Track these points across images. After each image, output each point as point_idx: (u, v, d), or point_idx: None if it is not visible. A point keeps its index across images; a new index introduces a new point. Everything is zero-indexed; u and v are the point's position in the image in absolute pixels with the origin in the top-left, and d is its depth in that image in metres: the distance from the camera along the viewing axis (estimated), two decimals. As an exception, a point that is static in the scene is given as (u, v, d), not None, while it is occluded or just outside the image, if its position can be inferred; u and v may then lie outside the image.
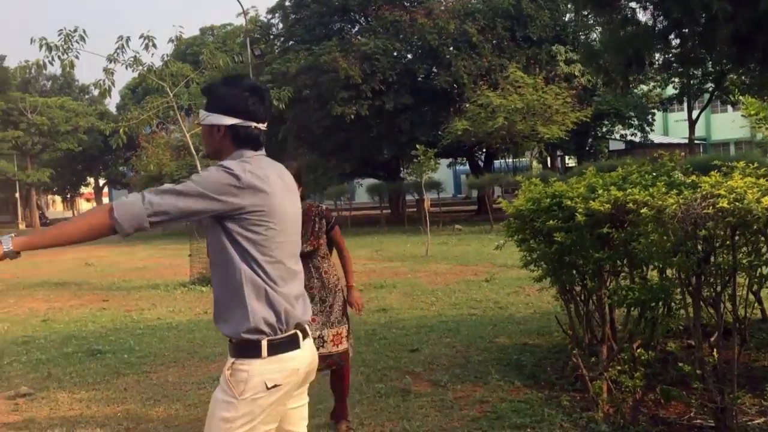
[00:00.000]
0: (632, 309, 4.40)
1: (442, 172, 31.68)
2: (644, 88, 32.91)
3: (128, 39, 12.09)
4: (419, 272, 12.34)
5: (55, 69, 37.14)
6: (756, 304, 5.40)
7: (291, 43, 30.25)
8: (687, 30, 8.31)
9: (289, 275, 2.44)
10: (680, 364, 4.00)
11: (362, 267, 13.41)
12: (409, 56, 27.08)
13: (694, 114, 28.81)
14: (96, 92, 13.47)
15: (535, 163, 33.13)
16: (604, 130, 32.84)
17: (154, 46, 12.23)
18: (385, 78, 24.64)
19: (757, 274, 3.83)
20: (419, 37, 25.28)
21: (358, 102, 24.27)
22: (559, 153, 35.11)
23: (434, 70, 26.21)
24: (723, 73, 22.70)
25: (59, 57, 11.82)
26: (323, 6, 28.63)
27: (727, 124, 47.35)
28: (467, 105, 23.49)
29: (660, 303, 4.36)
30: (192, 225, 14.06)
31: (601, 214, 4.12)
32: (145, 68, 12.64)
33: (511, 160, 29.89)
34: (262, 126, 2.52)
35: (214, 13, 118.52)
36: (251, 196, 2.33)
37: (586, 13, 26.54)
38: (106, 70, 12.34)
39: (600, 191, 4.31)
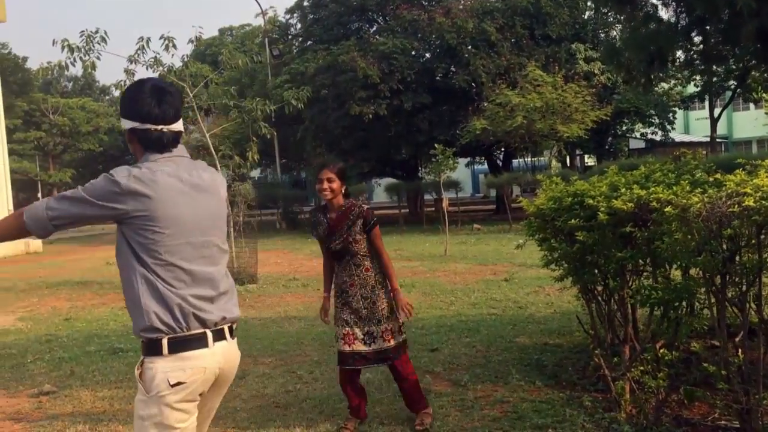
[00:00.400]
0: (655, 309, 4.35)
1: (461, 171, 31.57)
2: (665, 86, 32.59)
3: (149, 40, 12.21)
4: (438, 272, 12.32)
5: (76, 70, 37.68)
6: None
7: (309, 42, 30.30)
8: (710, 27, 8.20)
9: (191, 277, 2.45)
10: (704, 365, 3.95)
11: (381, 266, 13.41)
12: (428, 55, 27.01)
13: (716, 112, 28.50)
14: (117, 93, 13.59)
15: (554, 162, 32.94)
16: (624, 128, 32.57)
17: (174, 46, 12.35)
18: (404, 77, 24.60)
19: (784, 274, 3.78)
20: (437, 36, 25.21)
21: (377, 101, 24.26)
22: (578, 152, 34.88)
23: (453, 69, 26.12)
24: (746, 71, 22.40)
25: (81, 58, 11.95)
26: (341, 6, 28.65)
27: (750, 122, 46.77)
28: (486, 104, 23.39)
29: (684, 302, 4.32)
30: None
31: (624, 213, 4.07)
32: (166, 69, 12.74)
33: (529, 159, 29.74)
34: (164, 127, 2.48)
35: (233, 14, 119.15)
36: (133, 201, 2.38)
37: (605, 10, 26.31)
38: (126, 71, 12.47)
39: (622, 190, 4.26)
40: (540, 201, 4.87)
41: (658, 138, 33.63)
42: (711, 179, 4.19)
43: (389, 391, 5.22)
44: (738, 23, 7.00)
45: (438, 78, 26.48)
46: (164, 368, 2.40)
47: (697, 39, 9.21)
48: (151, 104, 2.48)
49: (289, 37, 34.53)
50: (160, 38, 12.29)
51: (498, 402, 4.84)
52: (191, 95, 12.75)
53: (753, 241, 3.58)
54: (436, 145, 15.97)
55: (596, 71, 25.46)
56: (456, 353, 6.30)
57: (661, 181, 4.42)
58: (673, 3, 8.35)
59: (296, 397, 5.31)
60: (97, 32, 11.90)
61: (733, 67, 23.24)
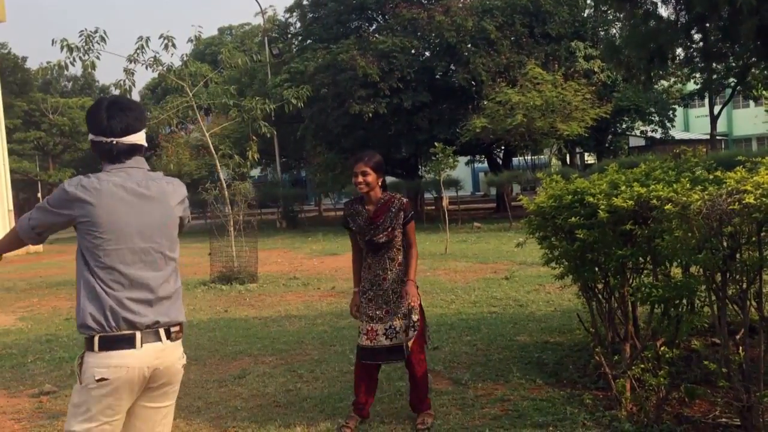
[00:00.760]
0: (656, 306, 4.35)
1: (461, 169, 31.58)
2: (665, 83, 32.57)
3: (148, 39, 12.20)
4: (438, 270, 12.32)
5: (75, 70, 37.67)
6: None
7: (309, 41, 30.29)
8: (710, 24, 8.20)
9: (128, 280, 2.62)
10: (705, 362, 3.95)
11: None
12: (427, 54, 26.98)
13: (716, 109, 28.49)
14: (116, 92, 13.58)
15: (554, 160, 32.92)
16: (624, 126, 32.53)
17: (174, 46, 12.34)
18: (403, 76, 24.58)
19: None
20: (437, 34, 25.18)
21: (376, 100, 24.24)
22: (578, 150, 34.85)
23: (452, 67, 26.09)
24: (746, 68, 22.36)
25: (80, 58, 11.95)
26: (341, 4, 28.63)
27: (750, 120, 46.77)
28: (485, 102, 23.35)
29: (684, 300, 4.32)
30: (212, 224, 14.13)
31: (624, 211, 4.07)
32: (165, 68, 12.74)
33: (530, 157, 29.73)
34: (114, 139, 2.69)
35: (233, 13, 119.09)
36: (79, 208, 2.62)
37: (605, 8, 26.29)
38: (126, 71, 12.46)
39: (623, 188, 4.26)
40: (540, 199, 4.86)
41: (658, 136, 33.60)
42: (711, 177, 4.18)
43: (390, 390, 5.22)
44: (738, 20, 7.00)
45: (438, 76, 26.45)
46: (94, 363, 2.58)
47: (696, 36, 9.21)
48: (104, 118, 2.71)
49: (289, 36, 34.52)
50: (160, 38, 12.29)
51: (498, 400, 4.84)
52: (191, 94, 12.75)
53: (753, 239, 3.58)
54: (436, 144, 15.98)
55: (596, 69, 25.45)
56: (456, 352, 6.30)
57: (661, 178, 4.42)
58: (673, 0, 8.36)
59: (297, 396, 5.31)
60: (96, 32, 11.90)
61: (733, 64, 23.20)
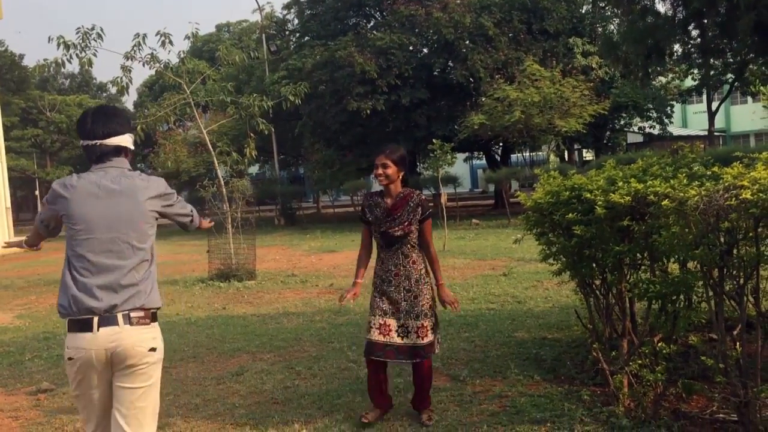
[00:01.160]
0: (653, 302, 4.35)
1: (459, 166, 31.53)
2: (663, 80, 32.54)
3: (145, 36, 12.18)
4: (436, 267, 12.29)
5: (72, 67, 37.57)
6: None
7: (306, 38, 30.25)
8: (707, 20, 8.20)
9: (95, 267, 2.90)
10: (702, 358, 3.95)
11: (379, 262, 13.40)
12: (425, 50, 26.97)
13: (714, 105, 28.47)
14: (114, 90, 13.55)
15: (552, 157, 32.94)
16: (622, 122, 32.52)
17: (171, 43, 12.33)
18: (401, 72, 24.56)
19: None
20: (435, 31, 25.15)
21: (374, 97, 24.22)
22: (576, 146, 34.84)
23: (450, 64, 26.07)
24: (744, 64, 22.37)
25: (77, 55, 11.93)
26: (338, 1, 28.59)
27: (747, 116, 46.77)
28: (484, 99, 23.33)
29: (681, 296, 4.32)
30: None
31: (622, 207, 4.07)
32: (162, 65, 12.72)
33: (528, 153, 29.72)
34: (94, 141, 3.03)
35: (230, 10, 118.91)
36: (60, 203, 3.00)
37: (603, 4, 26.29)
38: (123, 68, 12.44)
39: (620, 183, 4.26)
40: (538, 195, 4.86)
41: (656, 132, 33.60)
42: (708, 172, 4.18)
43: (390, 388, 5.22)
44: (735, 16, 7.00)
45: (436, 73, 26.43)
46: (66, 344, 2.93)
47: (694, 32, 9.22)
48: (88, 123, 3.06)
49: (287, 32, 34.48)
50: (157, 35, 12.26)
51: (496, 396, 4.84)
52: (188, 92, 12.73)
53: (750, 234, 3.58)
54: (434, 141, 15.96)
55: (594, 65, 25.43)
56: (454, 348, 6.30)
57: (658, 174, 4.42)
58: (671, -4, 8.37)
59: (295, 393, 5.31)
60: (93, 29, 11.87)
61: (731, 60, 23.20)
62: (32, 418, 5.16)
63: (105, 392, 2.95)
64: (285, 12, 33.64)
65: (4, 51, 45.38)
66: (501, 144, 29.39)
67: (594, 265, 4.67)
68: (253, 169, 43.35)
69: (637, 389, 4.29)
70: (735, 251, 3.67)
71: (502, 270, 10.98)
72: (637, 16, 8.30)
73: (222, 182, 12.74)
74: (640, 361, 4.33)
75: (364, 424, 4.44)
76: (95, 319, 2.85)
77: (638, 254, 4.45)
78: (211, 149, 13.09)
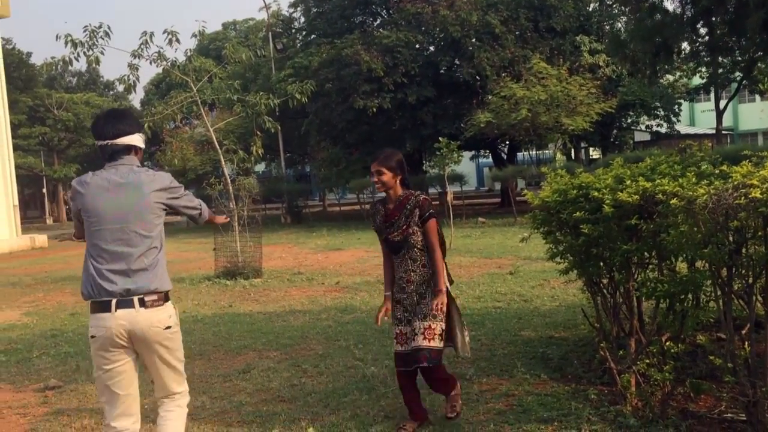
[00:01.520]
0: (661, 301, 4.34)
1: (465, 164, 31.46)
2: (670, 78, 32.41)
3: (152, 34, 12.19)
4: (443, 265, 12.28)
5: (80, 65, 37.63)
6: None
7: (313, 36, 30.25)
8: (716, 18, 8.16)
9: (108, 254, 3.22)
10: (711, 357, 3.93)
11: (386, 260, 13.40)
12: (432, 48, 26.92)
13: (722, 104, 28.33)
14: (121, 88, 13.61)
15: (558, 155, 32.84)
16: (629, 121, 32.41)
17: (178, 41, 12.34)
18: (408, 71, 24.53)
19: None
20: (441, 29, 25.11)
21: (381, 95, 24.20)
22: (583, 145, 34.77)
23: (457, 62, 26.02)
24: (752, 62, 22.24)
25: (84, 53, 11.95)
26: (345, -1, 28.59)
27: (755, 114, 46.54)
28: (490, 97, 23.26)
29: (689, 295, 4.30)
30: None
31: (629, 206, 4.05)
32: (169, 63, 12.73)
33: (534, 152, 29.65)
34: (105, 141, 3.34)
35: (237, 8, 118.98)
36: (78, 198, 3.32)
37: (610, 2, 26.17)
38: (130, 66, 12.46)
39: (628, 182, 4.24)
40: (545, 194, 4.84)
41: (663, 130, 33.48)
42: (717, 171, 4.16)
43: (394, 385, 5.20)
44: (744, 14, 6.97)
45: (442, 71, 26.39)
46: (89, 324, 3.28)
47: (702, 30, 9.17)
48: (101, 125, 3.39)
49: (293, 30, 34.48)
50: (164, 33, 12.27)
51: (503, 395, 4.83)
52: (195, 90, 12.75)
53: (759, 233, 3.56)
54: (440, 139, 15.93)
55: (601, 63, 25.35)
56: (461, 347, 6.28)
57: (666, 173, 4.40)
58: (679, -6, 8.32)
59: (301, 390, 5.31)
60: (100, 27, 11.90)
61: (739, 58, 23.07)
62: (40, 415, 5.18)
63: (126, 369, 3.28)
64: (291, 10, 33.70)
65: (11, 49, 45.48)
66: (507, 142, 29.33)
67: (601, 263, 4.66)
68: (260, 167, 43.38)
69: (645, 388, 4.28)
70: (744, 250, 3.66)
71: (508, 268, 10.96)
72: (645, 14, 8.27)
73: (228, 180, 12.76)
74: (647, 361, 4.31)
75: (369, 422, 4.44)
76: (113, 301, 3.18)
77: (646, 253, 4.44)
78: (218, 147, 13.10)
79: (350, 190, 28.98)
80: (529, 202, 5.15)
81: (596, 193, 4.33)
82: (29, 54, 48.75)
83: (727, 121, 37.59)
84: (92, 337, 3.25)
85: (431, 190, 29.71)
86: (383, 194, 4.41)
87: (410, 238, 4.22)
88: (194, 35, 13.40)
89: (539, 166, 22.77)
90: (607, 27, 27.63)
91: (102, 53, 12.02)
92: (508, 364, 5.59)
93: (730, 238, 3.61)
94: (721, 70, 25.65)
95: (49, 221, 49.85)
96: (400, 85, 24.40)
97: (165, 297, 3.31)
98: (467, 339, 4.42)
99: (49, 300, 11.25)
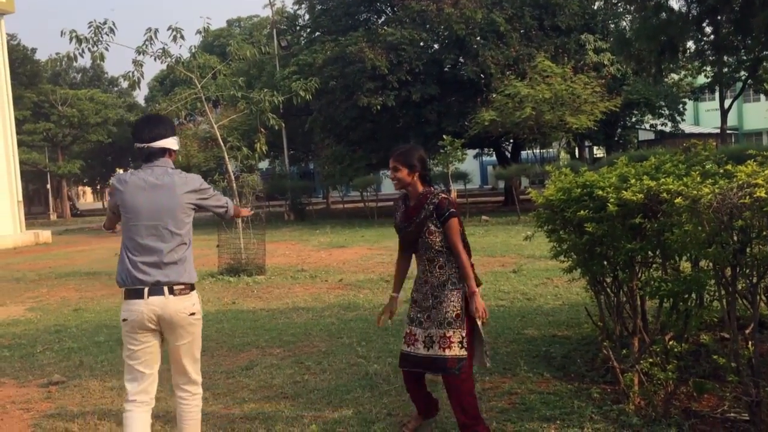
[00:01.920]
0: (665, 300, 4.32)
1: (469, 162, 31.49)
2: (675, 77, 32.33)
3: (157, 31, 12.19)
4: (446, 263, 12.27)
5: (84, 61, 37.66)
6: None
7: (317, 34, 30.24)
8: (722, 17, 8.14)
9: (142, 248, 3.55)
10: (714, 357, 3.92)
11: (389, 258, 13.41)
12: (436, 46, 26.90)
13: (726, 103, 28.27)
14: (125, 84, 13.61)
15: (563, 154, 32.80)
16: (634, 119, 32.37)
17: (182, 37, 12.34)
18: (412, 68, 24.53)
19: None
20: (446, 26, 25.09)
21: (385, 93, 24.20)
22: (587, 143, 34.71)
23: (461, 60, 26.01)
24: (757, 61, 22.18)
25: (89, 49, 11.96)
26: (349, -3, 28.58)
27: (760, 114, 46.42)
28: (494, 95, 23.27)
29: (693, 294, 4.29)
30: (217, 217, 14.12)
31: (634, 204, 4.04)
32: (174, 60, 12.73)
33: (538, 150, 29.61)
34: (141, 144, 3.66)
35: (241, 5, 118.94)
36: (117, 195, 3.64)
37: (615, 1, 26.08)
38: (135, 62, 12.46)
39: (632, 181, 4.23)
40: (549, 192, 4.84)
41: (667, 129, 33.42)
42: (721, 170, 4.15)
43: (397, 383, 5.21)
44: (750, 13, 6.94)
45: (446, 69, 26.38)
46: (122, 308, 3.61)
47: (708, 29, 9.14)
48: (137, 129, 3.72)
49: (297, 28, 34.47)
50: (169, 29, 12.27)
51: (506, 393, 4.83)
52: (199, 86, 12.75)
53: (764, 233, 3.55)
54: (444, 137, 15.95)
55: (606, 62, 25.31)
56: (464, 345, 6.28)
57: (671, 172, 4.39)
58: (685, -7, 8.29)
59: (304, 387, 5.32)
60: (105, 23, 11.90)
61: (744, 57, 23.03)
62: (43, 410, 5.19)
63: (151, 351, 3.65)
64: (296, 7, 33.67)
65: (16, 45, 45.55)
66: (511, 140, 29.31)
67: (605, 262, 4.65)
68: (263, 165, 43.41)
69: (648, 387, 4.27)
70: (748, 250, 3.65)
71: (511, 267, 10.96)
72: (651, 13, 8.25)
73: (232, 177, 12.76)
74: (651, 360, 4.31)
75: (372, 419, 4.44)
76: (146, 289, 3.51)
77: (650, 252, 4.43)
78: (222, 144, 13.10)
79: (354, 188, 28.97)
80: (533, 201, 5.14)
81: (600, 192, 4.32)
82: (34, 50, 48.78)
83: (731, 120, 37.52)
84: (124, 320, 3.59)
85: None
86: (401, 191, 4.25)
87: (425, 237, 4.00)
88: (199, 32, 13.39)
89: (543, 165, 22.80)
90: (612, 25, 27.59)
91: (107, 49, 12.03)
92: (511, 362, 5.59)
93: (735, 238, 3.61)
94: (726, 70, 25.56)
95: (53, 217, 49.95)
96: (405, 82, 24.40)
97: (191, 287, 3.64)
98: (486, 349, 4.16)
99: (52, 296, 11.28)
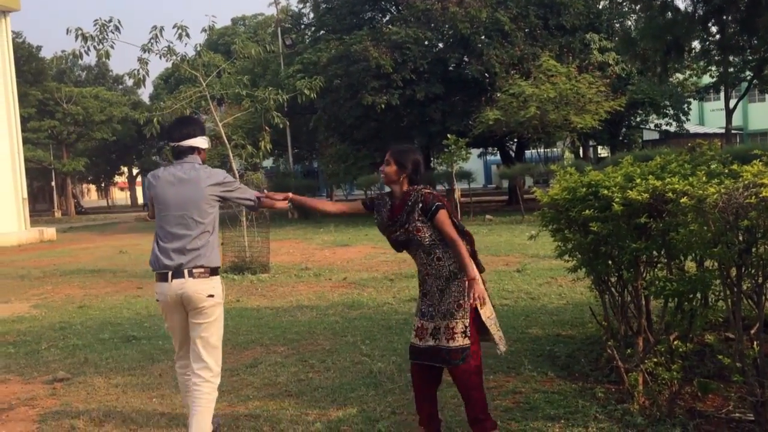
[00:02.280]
0: (669, 300, 4.32)
1: (473, 162, 31.47)
2: (680, 76, 32.27)
3: (162, 29, 12.20)
4: (450, 262, 12.26)
5: (89, 59, 37.59)
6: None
7: (322, 32, 30.25)
8: (728, 16, 8.12)
9: (170, 235, 3.96)
10: (719, 357, 3.92)
11: (393, 257, 13.41)
12: (441, 45, 26.88)
13: (731, 103, 28.21)
14: (130, 82, 13.63)
15: (567, 153, 32.75)
16: (638, 119, 32.31)
17: (188, 36, 12.34)
18: (416, 67, 24.51)
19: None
20: (451, 25, 25.07)
21: (389, 91, 24.19)
22: (591, 143, 34.67)
23: (466, 59, 26.00)
24: (763, 61, 22.10)
25: (95, 47, 11.98)
26: (354, -5, 28.58)
27: (765, 114, 46.33)
28: (499, 94, 23.23)
29: (698, 294, 4.29)
30: (224, 214, 14.16)
31: (639, 204, 4.04)
32: (179, 58, 12.74)
33: (542, 150, 29.59)
34: (173, 143, 4.10)
35: (246, 3, 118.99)
36: (150, 189, 4.10)
37: (620, 0, 26.00)
38: (140, 60, 12.47)
39: (638, 180, 4.23)
40: (554, 191, 4.83)
41: (672, 129, 33.35)
42: (727, 170, 4.14)
43: (401, 381, 5.22)
44: (756, 13, 6.93)
45: (451, 68, 26.36)
46: (155, 290, 4.04)
47: (714, 29, 9.12)
48: (170, 129, 4.19)
49: (302, 26, 34.50)
50: (174, 27, 12.28)
51: (510, 393, 4.83)
52: (204, 84, 12.76)
53: (770, 233, 3.54)
54: (448, 136, 15.94)
55: (611, 62, 25.25)
56: (468, 344, 6.28)
57: (676, 171, 4.38)
58: (691, -8, 8.28)
59: (308, 385, 5.33)
60: (110, 21, 11.91)
61: (750, 57, 22.96)
62: (48, 407, 5.21)
63: (182, 324, 4.05)
64: (300, 6, 33.72)
65: (21, 43, 45.63)
66: (515, 140, 29.29)
67: (610, 262, 4.65)
68: (268, 163, 43.46)
69: (653, 387, 4.27)
70: (754, 250, 3.64)
71: (515, 266, 10.95)
72: (656, 12, 8.23)
73: (237, 175, 12.78)
74: (655, 359, 4.30)
75: (376, 417, 4.45)
76: (170, 273, 3.90)
77: (655, 252, 4.43)
78: (226, 142, 13.11)
79: (358, 187, 29.00)
80: (538, 200, 5.14)
81: (606, 192, 4.31)
82: (39, 47, 48.89)
83: (736, 120, 37.40)
84: (157, 300, 4.05)
85: (439, 187, 29.74)
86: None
87: (414, 235, 3.95)
88: (204, 30, 13.44)
89: (547, 164, 22.75)
90: (617, 25, 27.53)
91: (112, 47, 12.04)
92: (515, 361, 5.58)
93: (740, 238, 3.60)
94: (731, 69, 25.49)
95: (58, 214, 50.03)
96: (409, 81, 24.38)
97: (212, 271, 3.98)
98: (496, 336, 4.08)
99: (57, 293, 11.31)
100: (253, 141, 14.66)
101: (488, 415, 3.99)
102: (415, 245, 4.00)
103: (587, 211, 4.38)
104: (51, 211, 52.38)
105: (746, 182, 3.50)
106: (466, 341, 3.88)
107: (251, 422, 4.60)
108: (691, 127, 39.21)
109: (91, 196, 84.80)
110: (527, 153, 31.58)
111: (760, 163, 3.81)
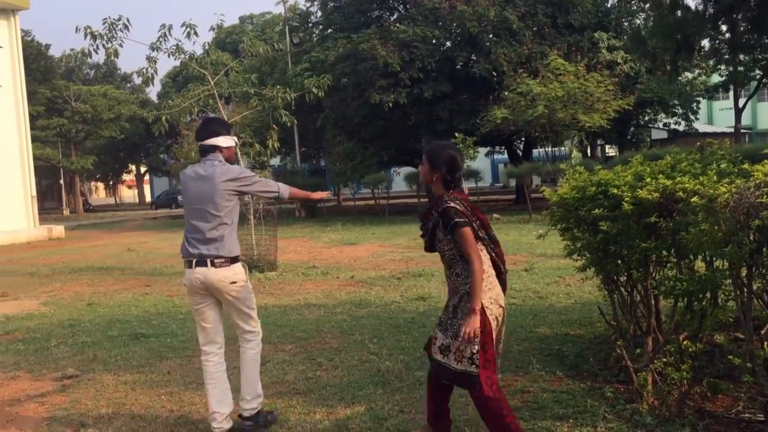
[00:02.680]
0: (679, 300, 4.30)
1: (480, 161, 31.48)
2: (689, 75, 32.12)
3: (170, 27, 12.23)
4: (457, 261, 12.24)
5: (98, 58, 37.79)
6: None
7: (329, 31, 30.26)
8: (738, 15, 8.07)
9: (192, 227, 4.32)
10: (729, 357, 3.90)
11: (400, 255, 13.41)
12: (448, 44, 26.85)
13: (741, 102, 28.07)
14: (138, 80, 13.67)
15: (575, 152, 32.65)
16: (647, 118, 32.18)
17: (196, 34, 12.36)
18: (424, 66, 24.49)
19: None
20: (458, 24, 25.04)
21: (397, 90, 24.18)
22: (599, 142, 34.55)
23: (473, 57, 25.95)
24: (773, 60, 22.02)
25: (104, 45, 12.01)
26: (362, -7, 28.57)
27: (775, 113, 46.06)
28: (506, 93, 23.18)
29: (708, 294, 4.26)
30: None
31: (649, 203, 4.02)
32: (187, 56, 12.76)
33: (550, 149, 29.51)
34: (200, 143, 4.43)
35: (254, 2, 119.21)
36: (182, 185, 4.45)
37: (630, -2, 25.86)
38: (149, 59, 12.50)
39: (648, 180, 4.21)
40: (563, 190, 4.81)
41: (681, 128, 33.20)
42: (737, 170, 4.12)
43: (409, 380, 5.22)
44: (767, 12, 6.88)
45: (459, 66, 26.32)
46: (184, 276, 4.39)
47: (724, 27, 9.07)
48: (198, 130, 4.50)
49: (310, 25, 34.52)
50: (182, 26, 12.31)
51: (518, 392, 4.82)
52: (212, 83, 12.79)
53: (781, 233, 3.52)
54: (456, 134, 15.93)
55: (619, 60, 25.15)
56: (476, 342, 6.27)
57: (687, 171, 4.36)
58: (701, -10, 8.23)
59: (316, 383, 5.33)
60: (119, 19, 11.95)
61: (760, 56, 22.85)
62: (58, 404, 5.23)
63: (207, 310, 4.39)
64: (308, 4, 33.71)
65: (30, 41, 45.79)
66: (523, 139, 29.23)
67: (619, 261, 4.63)
68: (275, 161, 43.49)
69: (662, 387, 4.25)
70: (765, 249, 3.62)
71: (523, 265, 10.93)
72: (667, 11, 8.19)
73: (244, 173, 12.77)
74: (664, 359, 4.29)
75: (384, 416, 4.44)
76: (194, 261, 4.28)
77: (665, 251, 4.40)
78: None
79: (365, 185, 28.98)
80: (546, 199, 5.12)
81: (615, 191, 4.30)
82: (48, 46, 49.09)
83: (745, 119, 37.25)
84: (185, 285, 4.39)
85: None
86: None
87: (437, 245, 3.79)
88: (212, 28, 13.42)
89: (555, 163, 22.71)
90: (626, 23, 27.42)
91: (121, 45, 12.08)
92: (523, 360, 5.57)
93: (751, 237, 3.58)
94: (741, 68, 25.35)
95: (66, 212, 50.25)
96: (417, 80, 24.37)
97: (231, 260, 4.31)
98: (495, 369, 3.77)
99: (66, 290, 11.35)
100: (261, 139, 14.69)
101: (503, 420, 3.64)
102: (441, 254, 3.84)
103: (597, 210, 4.36)
104: (59, 208, 52.62)
105: (757, 182, 3.47)
106: (473, 368, 3.60)
107: (259, 420, 4.60)
108: (700, 126, 39.04)
109: (99, 194, 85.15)
110: (535, 152, 31.50)
111: (771, 162, 3.78)
